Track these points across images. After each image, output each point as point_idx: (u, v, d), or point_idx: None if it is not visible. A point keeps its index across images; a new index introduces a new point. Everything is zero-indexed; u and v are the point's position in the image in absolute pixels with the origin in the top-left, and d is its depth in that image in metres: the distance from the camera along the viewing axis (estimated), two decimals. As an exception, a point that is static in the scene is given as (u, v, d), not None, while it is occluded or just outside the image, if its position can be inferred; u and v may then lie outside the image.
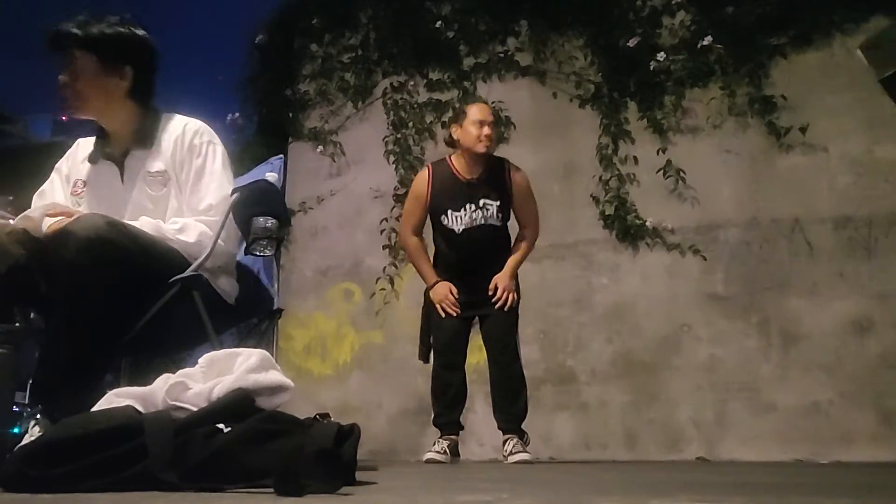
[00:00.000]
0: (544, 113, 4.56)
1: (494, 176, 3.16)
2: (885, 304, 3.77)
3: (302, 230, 4.85)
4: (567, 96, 4.46)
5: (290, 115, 5.02)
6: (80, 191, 2.13)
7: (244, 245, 2.05)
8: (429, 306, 3.27)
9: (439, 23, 4.80)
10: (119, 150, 2.12)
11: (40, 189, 2.21)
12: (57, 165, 2.24)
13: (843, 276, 3.88)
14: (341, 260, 4.79)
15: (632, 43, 4.38)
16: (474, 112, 3.13)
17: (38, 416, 1.70)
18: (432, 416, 3.35)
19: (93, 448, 1.23)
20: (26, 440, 1.57)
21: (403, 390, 4.47)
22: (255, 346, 1.55)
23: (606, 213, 4.29)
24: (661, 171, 4.24)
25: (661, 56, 4.27)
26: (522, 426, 3.21)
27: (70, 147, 2.29)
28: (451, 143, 3.22)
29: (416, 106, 4.82)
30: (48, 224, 1.85)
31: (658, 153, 4.26)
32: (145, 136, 2.10)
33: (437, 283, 3.21)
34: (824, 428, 3.74)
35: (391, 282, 4.62)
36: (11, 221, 1.95)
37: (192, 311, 1.93)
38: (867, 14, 4.04)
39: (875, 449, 3.54)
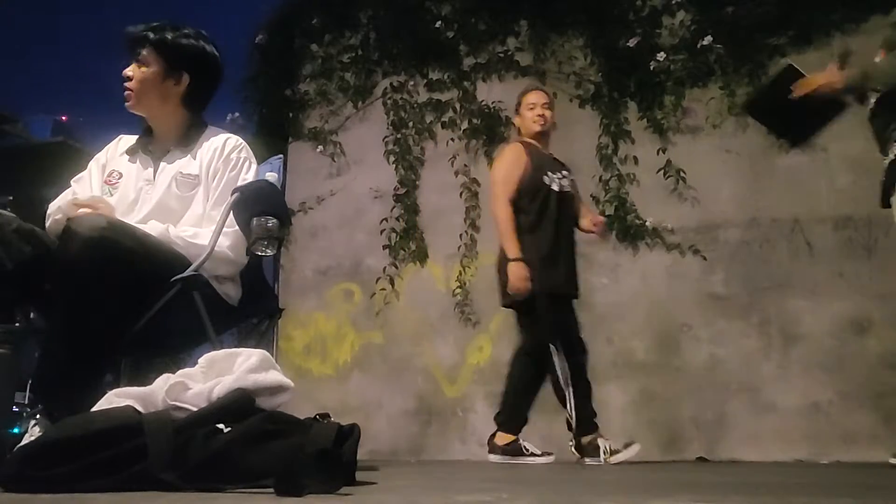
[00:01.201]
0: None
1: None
2: (885, 304, 3.77)
3: (302, 230, 4.84)
4: (567, 96, 4.45)
5: (290, 115, 5.02)
6: (115, 181, 2.19)
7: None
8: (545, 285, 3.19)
9: (439, 23, 4.79)
10: (159, 149, 2.21)
11: (78, 175, 2.28)
12: (96, 157, 2.32)
13: (843, 276, 3.88)
14: (341, 260, 4.79)
15: (632, 43, 4.37)
16: (527, 98, 3.46)
17: (38, 416, 1.70)
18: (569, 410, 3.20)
19: (93, 448, 1.23)
20: (26, 440, 1.57)
21: (403, 390, 4.47)
22: (255, 346, 1.55)
23: (606, 212, 4.28)
24: (661, 171, 4.24)
25: (661, 56, 4.27)
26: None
27: (109, 142, 2.37)
28: (518, 132, 3.52)
29: (416, 106, 4.81)
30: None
31: (658, 153, 4.26)
32: (187, 140, 2.20)
33: (518, 261, 3.20)
34: (824, 428, 3.74)
35: (391, 282, 4.62)
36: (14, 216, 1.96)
37: (192, 312, 1.93)
38: (867, 14, 4.04)
39: (875, 449, 3.54)
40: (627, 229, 4.26)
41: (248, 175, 2.19)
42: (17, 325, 1.95)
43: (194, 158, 2.18)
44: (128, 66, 2.16)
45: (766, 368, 3.93)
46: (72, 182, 2.26)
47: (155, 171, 2.17)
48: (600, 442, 3.17)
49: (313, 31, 5.10)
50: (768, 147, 4.10)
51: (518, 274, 3.17)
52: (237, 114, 5.09)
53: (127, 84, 2.15)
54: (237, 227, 2.03)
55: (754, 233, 4.08)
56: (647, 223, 4.23)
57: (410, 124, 4.79)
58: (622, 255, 4.28)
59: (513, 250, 3.21)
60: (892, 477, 1.92)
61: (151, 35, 2.15)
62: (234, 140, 2.25)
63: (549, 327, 3.19)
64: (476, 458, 4.08)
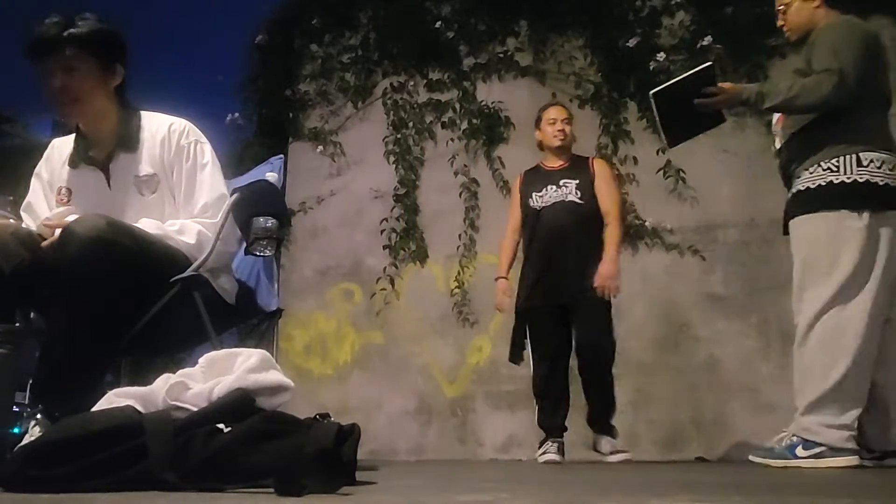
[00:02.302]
0: (544, 113, 4.57)
1: (576, 164, 3.54)
2: (885, 304, 3.77)
3: (302, 230, 4.85)
4: (567, 96, 4.45)
5: (290, 115, 5.02)
6: (66, 199, 2.07)
7: (244, 245, 2.05)
8: (522, 302, 3.44)
9: (439, 23, 4.79)
10: (102, 154, 2.07)
11: (26, 201, 2.14)
12: (35, 171, 2.16)
13: (843, 276, 3.87)
14: (341, 260, 4.79)
15: (632, 43, 4.38)
16: (547, 113, 3.58)
17: (38, 416, 1.70)
18: (536, 417, 3.40)
19: (93, 448, 1.23)
20: (26, 440, 1.57)
21: (403, 390, 4.47)
22: (255, 346, 1.55)
23: (606, 213, 4.28)
24: (661, 172, 4.24)
25: (660, 56, 4.28)
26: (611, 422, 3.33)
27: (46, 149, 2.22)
28: (540, 146, 3.63)
29: (416, 106, 4.82)
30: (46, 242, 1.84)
31: (657, 153, 4.25)
32: (129, 139, 2.06)
33: (501, 279, 3.52)
34: (824, 428, 3.73)
35: (391, 282, 4.62)
36: (12, 220, 1.95)
37: (192, 311, 1.93)
38: (867, 14, 4.03)
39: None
40: (627, 229, 4.26)
41: (206, 158, 2.09)
42: (17, 325, 1.94)
43: (143, 156, 2.05)
44: (46, 73, 1.92)
45: (765, 368, 3.93)
46: (21, 213, 2.12)
47: (108, 179, 2.06)
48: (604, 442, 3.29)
49: (313, 31, 5.11)
50: (767, 147, 4.10)
51: (497, 289, 3.52)
52: (237, 114, 5.10)
53: (62, 95, 1.94)
54: (218, 220, 2.00)
55: (753, 233, 4.08)
56: (647, 223, 4.24)
57: (410, 124, 4.80)
58: (622, 255, 4.26)
59: (499, 270, 3.57)
60: (893, 477, 1.92)
61: (78, 32, 1.93)
62: (178, 125, 2.10)
63: (517, 340, 3.42)
64: (476, 458, 4.08)
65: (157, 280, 1.90)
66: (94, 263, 1.71)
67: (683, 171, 4.22)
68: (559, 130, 3.50)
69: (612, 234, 3.39)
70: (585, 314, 3.31)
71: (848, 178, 2.41)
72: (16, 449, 1.37)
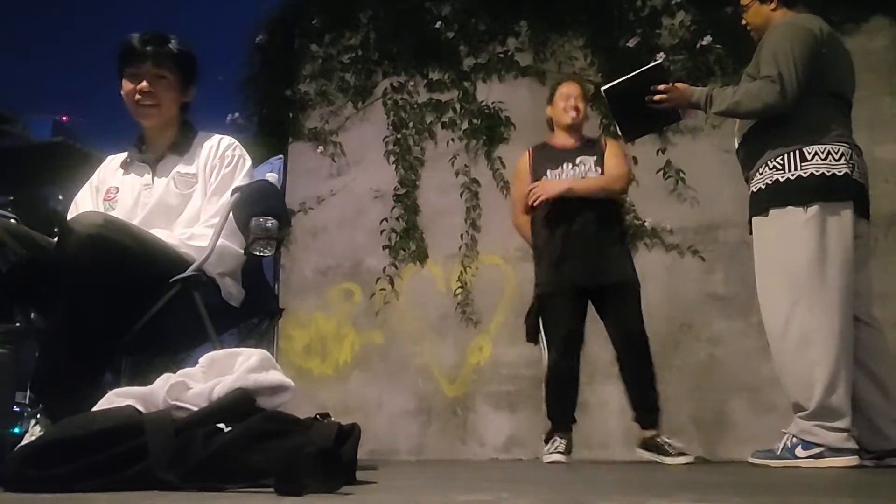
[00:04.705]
0: (544, 113, 4.56)
1: (590, 143, 3.41)
2: (885, 304, 3.76)
3: (302, 230, 4.85)
4: (567, 96, 4.45)
5: (290, 115, 5.02)
6: (113, 196, 2.22)
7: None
8: (543, 287, 3.28)
9: (439, 23, 4.79)
10: (153, 156, 2.24)
11: (74, 200, 2.31)
12: (88, 181, 2.35)
13: (843, 276, 3.87)
14: (341, 260, 4.79)
15: (632, 43, 4.37)
16: (562, 88, 3.43)
17: (38, 415, 1.70)
18: (546, 409, 3.27)
19: (93, 448, 1.23)
20: (26, 440, 1.57)
21: (403, 390, 4.47)
22: (255, 346, 1.55)
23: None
24: (661, 172, 4.24)
25: (660, 56, 4.27)
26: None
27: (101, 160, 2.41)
28: (550, 124, 3.48)
29: (416, 106, 4.81)
30: None
31: (658, 153, 4.26)
32: (182, 146, 2.24)
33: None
34: (824, 428, 3.73)
35: (391, 282, 4.62)
36: (13, 220, 1.96)
37: (192, 311, 1.93)
38: (867, 14, 4.04)
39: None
40: (626, 229, 4.26)
41: (243, 171, 2.23)
42: (17, 325, 1.94)
43: (191, 160, 2.22)
44: (137, 76, 2.17)
45: (766, 368, 3.91)
46: (71, 206, 2.30)
47: (153, 175, 2.21)
48: (661, 440, 3.09)
49: (313, 31, 5.11)
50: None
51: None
52: (237, 114, 5.10)
53: (148, 98, 2.17)
54: (224, 219, 2.06)
55: (754, 233, 4.07)
56: (647, 223, 4.23)
57: (410, 124, 4.80)
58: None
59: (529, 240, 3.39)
60: (893, 477, 1.92)
61: (171, 49, 2.19)
62: (228, 139, 2.31)
63: (533, 323, 3.27)
64: (476, 458, 4.08)
65: (157, 279, 1.91)
66: (93, 262, 1.72)
67: (683, 172, 4.22)
68: (573, 108, 3.36)
69: (604, 177, 3.27)
70: (616, 294, 3.22)
71: (792, 174, 2.44)
72: (16, 449, 1.37)
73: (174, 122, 2.27)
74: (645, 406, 3.15)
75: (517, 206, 3.46)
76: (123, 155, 2.32)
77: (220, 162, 2.22)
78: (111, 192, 2.23)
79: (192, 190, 2.17)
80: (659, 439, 3.09)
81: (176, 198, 2.16)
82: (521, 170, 3.46)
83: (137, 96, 2.17)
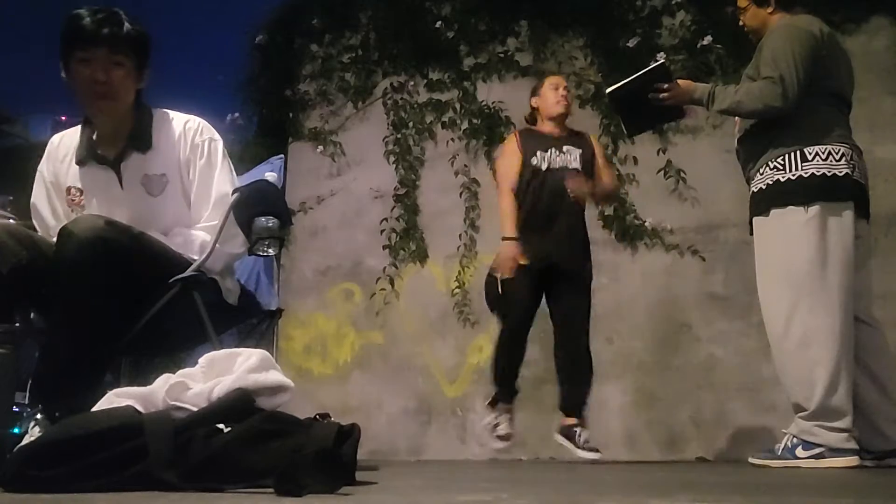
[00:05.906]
0: (544, 113, 4.57)
1: (576, 135, 3.48)
2: (886, 304, 3.76)
3: (302, 230, 4.85)
4: (567, 96, 4.45)
5: (290, 115, 5.02)
6: (78, 199, 2.06)
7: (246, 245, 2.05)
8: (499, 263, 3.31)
9: (439, 23, 4.79)
10: (113, 153, 2.05)
11: (31, 202, 2.13)
12: (39, 169, 2.14)
13: (843, 276, 3.87)
14: (341, 260, 4.79)
15: (632, 43, 4.37)
16: (551, 80, 3.50)
17: (38, 416, 1.70)
18: (493, 375, 3.37)
19: (93, 448, 1.23)
20: (26, 440, 1.57)
21: (403, 390, 4.47)
22: (255, 346, 1.55)
23: (606, 213, 4.28)
24: (661, 172, 4.24)
25: (661, 56, 4.27)
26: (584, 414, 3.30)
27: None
28: (532, 117, 3.53)
29: (416, 106, 4.81)
30: None
31: (658, 153, 4.26)
32: (142, 139, 2.05)
33: (512, 239, 3.28)
34: (824, 428, 3.73)
35: (391, 282, 4.62)
36: (13, 221, 1.96)
37: (192, 312, 1.93)
38: (867, 14, 4.04)
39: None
40: (627, 229, 4.26)
41: (218, 154, 2.11)
42: (17, 325, 1.94)
43: (156, 155, 2.05)
44: (89, 63, 1.90)
45: (765, 368, 3.91)
46: (32, 214, 2.12)
47: (120, 179, 2.05)
48: (578, 430, 3.23)
49: (313, 31, 5.11)
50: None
51: (506, 253, 3.26)
52: (237, 114, 5.10)
53: (106, 90, 1.93)
54: (224, 220, 2.00)
55: (754, 233, 4.07)
56: (647, 223, 4.23)
57: (410, 124, 4.80)
58: (622, 255, 4.28)
59: (507, 229, 3.30)
60: (893, 477, 1.92)
61: (128, 30, 1.93)
62: (193, 123, 2.11)
63: (499, 297, 3.29)
64: (476, 458, 4.08)
65: (156, 280, 1.90)
66: (93, 263, 1.72)
67: (684, 172, 4.22)
68: (562, 97, 3.42)
69: (603, 184, 3.44)
70: (570, 279, 3.30)
71: (793, 174, 2.44)
72: (16, 449, 1.37)
73: (129, 112, 2.03)
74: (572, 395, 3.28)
75: (504, 182, 3.43)
76: (72, 142, 2.09)
77: (194, 155, 2.06)
78: (73, 194, 2.07)
79: (164, 193, 2.04)
80: (576, 429, 3.22)
81: (150, 205, 2.03)
82: (510, 149, 3.47)
83: (93, 88, 1.92)
